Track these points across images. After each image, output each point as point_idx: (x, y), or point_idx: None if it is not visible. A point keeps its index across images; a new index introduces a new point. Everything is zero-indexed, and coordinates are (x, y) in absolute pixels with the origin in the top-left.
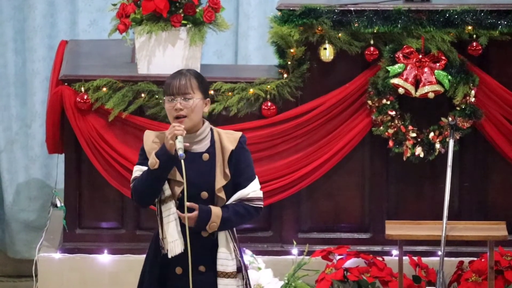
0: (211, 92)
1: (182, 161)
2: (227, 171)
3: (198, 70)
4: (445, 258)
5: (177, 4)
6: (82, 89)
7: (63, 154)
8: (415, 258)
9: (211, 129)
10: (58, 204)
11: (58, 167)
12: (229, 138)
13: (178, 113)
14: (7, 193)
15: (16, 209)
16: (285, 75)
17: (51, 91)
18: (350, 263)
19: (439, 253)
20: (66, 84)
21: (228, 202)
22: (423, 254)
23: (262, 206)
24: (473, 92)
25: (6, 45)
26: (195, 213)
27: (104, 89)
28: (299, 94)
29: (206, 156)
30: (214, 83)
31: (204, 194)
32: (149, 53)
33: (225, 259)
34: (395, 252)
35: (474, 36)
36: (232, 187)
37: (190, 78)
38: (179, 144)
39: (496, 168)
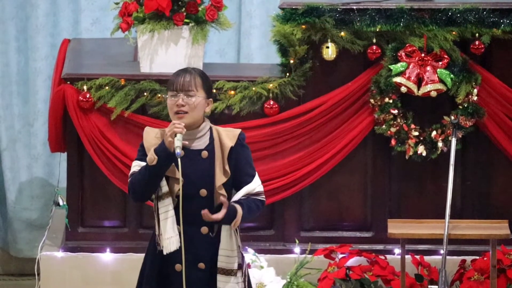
0: (214, 90)
1: (179, 159)
2: (227, 168)
3: (201, 69)
4: (448, 257)
5: (180, 2)
6: (85, 87)
7: (66, 153)
8: (418, 257)
9: (210, 127)
10: (61, 203)
11: (60, 165)
12: (228, 135)
13: (179, 109)
14: (9, 191)
15: (18, 207)
16: (287, 74)
17: (54, 90)
18: (352, 261)
19: (442, 251)
20: (68, 82)
21: (235, 198)
22: (425, 252)
23: (265, 198)
24: (475, 90)
25: (8, 43)
26: (224, 211)
27: (107, 87)
28: (301, 92)
29: (205, 154)
30: (216, 82)
31: (203, 192)
32: (151, 52)
33: (227, 256)
34: (397, 250)
35: (477, 34)
36: (232, 183)
37: (195, 76)
38: (178, 142)
39: (499, 166)
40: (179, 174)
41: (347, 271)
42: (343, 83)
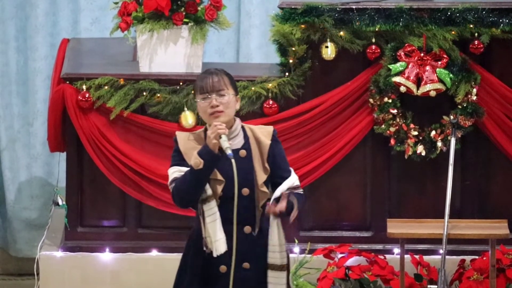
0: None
1: (233, 160)
2: (267, 165)
3: (200, 69)
4: (447, 257)
5: (179, 2)
6: (84, 87)
7: (65, 153)
8: (417, 257)
9: (242, 126)
10: (60, 203)
11: (59, 165)
12: (263, 133)
13: (214, 109)
14: (9, 191)
15: (18, 207)
16: (286, 74)
17: (53, 90)
18: (351, 261)
19: (441, 251)
20: (67, 82)
21: (278, 192)
22: (424, 252)
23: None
24: (474, 90)
25: (8, 43)
26: (285, 202)
27: (106, 87)
28: (300, 92)
29: (243, 153)
30: None
31: (245, 191)
32: (150, 52)
33: (278, 252)
34: (396, 250)
35: (476, 34)
36: (271, 180)
37: (222, 75)
38: (226, 144)
39: (498, 166)
40: (233, 174)
41: (347, 270)
42: (342, 82)
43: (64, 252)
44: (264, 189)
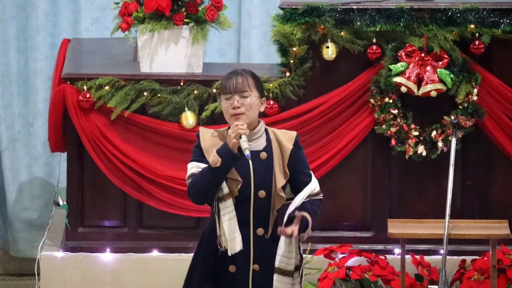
0: (213, 90)
1: (250, 161)
2: (287, 170)
3: (201, 69)
4: (448, 257)
5: (180, 2)
6: (85, 87)
7: (66, 153)
8: (418, 257)
9: (266, 128)
10: (61, 203)
11: (60, 165)
12: (285, 137)
13: (236, 111)
14: (9, 191)
15: (18, 207)
16: (287, 74)
17: (54, 90)
18: (352, 261)
19: (442, 251)
20: (68, 82)
21: (299, 199)
22: (425, 252)
23: (322, 196)
24: (475, 90)
25: (8, 43)
26: (298, 225)
27: (107, 87)
28: (301, 92)
29: (264, 155)
30: (216, 82)
31: (262, 193)
32: (151, 52)
33: (286, 257)
34: (397, 250)
35: (477, 34)
36: (291, 185)
37: (246, 77)
38: (245, 144)
39: (499, 166)
40: (250, 175)
41: (347, 271)
42: (343, 83)
43: (64, 252)
44: (282, 193)
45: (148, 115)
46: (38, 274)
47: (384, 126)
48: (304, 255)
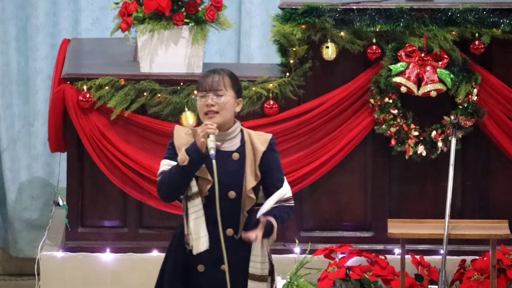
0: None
1: (214, 161)
2: (258, 172)
3: (200, 69)
4: (448, 257)
5: (180, 2)
6: (85, 87)
7: (66, 153)
8: (418, 257)
9: (241, 129)
10: (61, 203)
11: (60, 165)
12: (260, 140)
13: (209, 109)
14: (9, 191)
15: (18, 207)
16: (287, 74)
17: (54, 90)
18: (352, 261)
19: (442, 251)
20: (68, 82)
21: (268, 205)
22: (425, 252)
23: (293, 203)
24: (475, 90)
25: (8, 43)
26: (262, 230)
27: (107, 87)
28: (301, 92)
29: (236, 156)
30: None
31: (232, 194)
32: (151, 52)
33: (259, 262)
34: (397, 250)
35: (477, 34)
36: (263, 188)
37: (223, 76)
38: (211, 144)
39: (499, 166)
40: (213, 175)
41: (347, 271)
42: (343, 83)
43: (64, 252)
44: (252, 195)
45: (148, 115)
46: (38, 274)
47: (384, 126)
48: (303, 255)
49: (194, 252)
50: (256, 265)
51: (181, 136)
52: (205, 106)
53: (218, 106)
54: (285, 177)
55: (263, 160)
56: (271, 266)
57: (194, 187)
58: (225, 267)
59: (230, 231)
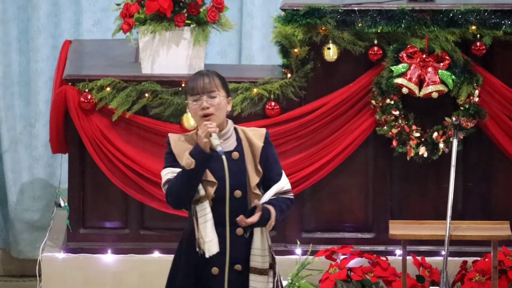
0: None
1: (224, 156)
2: (259, 167)
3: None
4: (449, 258)
5: (181, 4)
6: (86, 89)
7: (67, 154)
8: (419, 258)
9: (235, 128)
10: (62, 204)
11: (62, 166)
12: (256, 135)
13: (205, 112)
14: (11, 192)
15: (20, 208)
16: (288, 75)
17: (55, 91)
18: (353, 262)
19: (443, 252)
20: (70, 84)
21: (266, 197)
22: (426, 254)
23: (293, 196)
24: (477, 92)
25: (10, 44)
26: (258, 214)
27: (108, 89)
28: (302, 94)
29: (236, 155)
30: None
31: (238, 193)
32: (153, 53)
33: (260, 256)
34: (398, 251)
35: (478, 36)
36: (263, 182)
37: (213, 77)
38: (216, 141)
39: (500, 168)
40: (225, 171)
41: (349, 272)
42: (345, 84)
43: (66, 253)
44: (257, 191)
45: (150, 116)
46: (39, 275)
47: (385, 127)
48: (305, 256)
49: (207, 255)
50: (257, 258)
51: (178, 143)
52: (200, 109)
53: (213, 107)
54: (283, 171)
55: (262, 155)
56: (273, 259)
57: (201, 190)
58: (239, 267)
59: (239, 231)
